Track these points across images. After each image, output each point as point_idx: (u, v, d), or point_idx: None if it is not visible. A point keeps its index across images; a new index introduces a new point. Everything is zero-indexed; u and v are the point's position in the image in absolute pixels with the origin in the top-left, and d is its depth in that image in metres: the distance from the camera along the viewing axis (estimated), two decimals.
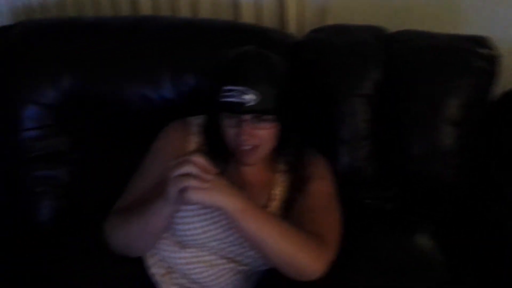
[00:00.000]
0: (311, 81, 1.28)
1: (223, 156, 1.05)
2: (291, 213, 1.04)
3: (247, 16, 1.59)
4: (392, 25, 1.38)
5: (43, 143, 1.32)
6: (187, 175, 0.86)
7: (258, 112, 0.97)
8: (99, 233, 1.04)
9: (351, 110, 1.24)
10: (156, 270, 1.10)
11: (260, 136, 1.00)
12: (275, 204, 1.08)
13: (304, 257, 0.94)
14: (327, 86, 1.26)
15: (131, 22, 1.40)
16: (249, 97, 0.94)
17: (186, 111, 1.18)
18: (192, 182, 0.85)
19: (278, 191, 1.09)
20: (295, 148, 1.10)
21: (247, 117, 0.97)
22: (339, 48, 1.29)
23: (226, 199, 0.89)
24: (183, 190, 0.86)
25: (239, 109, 0.95)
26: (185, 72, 1.31)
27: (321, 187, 1.09)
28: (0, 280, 1.11)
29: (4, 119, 1.32)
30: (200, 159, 0.87)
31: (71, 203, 1.34)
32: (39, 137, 1.32)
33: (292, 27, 1.57)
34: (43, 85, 1.30)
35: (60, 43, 1.34)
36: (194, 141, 1.09)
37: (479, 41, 1.27)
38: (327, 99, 1.26)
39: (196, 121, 1.12)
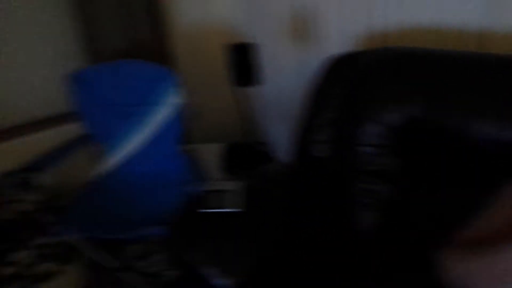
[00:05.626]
0: None
1: None
2: None
3: None
4: None
5: (376, 159, 1.42)
6: None
7: None
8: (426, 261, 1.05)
9: None
10: None
11: None
12: None
13: None
14: None
15: (476, 58, 1.37)
16: None
17: None
18: None
19: None
20: None
21: None
22: None
23: None
24: None
25: None
26: None
27: None
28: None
29: (350, 131, 1.45)
30: None
31: (385, 219, 1.40)
32: (374, 153, 1.42)
33: None
34: (390, 107, 1.39)
35: (411, 71, 1.40)
36: None
37: None
38: None
39: None
